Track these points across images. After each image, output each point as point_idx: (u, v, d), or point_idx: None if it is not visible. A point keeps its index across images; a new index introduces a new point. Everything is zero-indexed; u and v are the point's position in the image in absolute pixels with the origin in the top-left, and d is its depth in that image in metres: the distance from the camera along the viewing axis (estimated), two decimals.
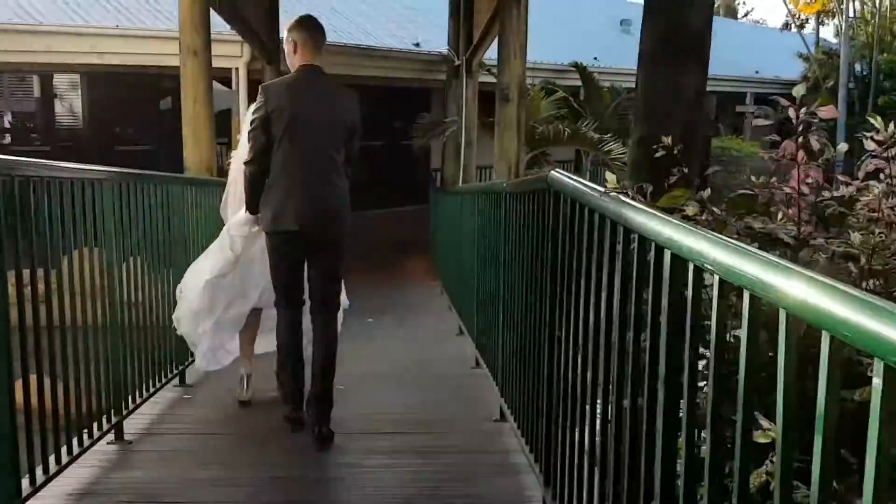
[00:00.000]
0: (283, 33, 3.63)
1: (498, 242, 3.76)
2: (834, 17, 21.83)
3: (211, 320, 3.86)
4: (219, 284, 3.81)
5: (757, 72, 20.15)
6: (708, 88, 15.41)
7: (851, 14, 19.65)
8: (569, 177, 2.23)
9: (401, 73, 12.57)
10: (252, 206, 3.55)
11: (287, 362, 3.59)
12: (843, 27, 19.29)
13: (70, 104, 11.70)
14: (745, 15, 48.66)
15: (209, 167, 5.53)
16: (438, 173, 11.87)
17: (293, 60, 3.51)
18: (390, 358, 5.58)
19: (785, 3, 24.10)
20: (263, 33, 7.81)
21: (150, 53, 9.53)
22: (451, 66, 11.23)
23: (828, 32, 23.69)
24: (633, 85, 12.43)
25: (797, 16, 25.35)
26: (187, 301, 3.91)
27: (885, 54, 19.21)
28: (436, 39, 13.89)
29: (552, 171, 2.40)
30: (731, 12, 45.09)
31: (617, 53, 16.47)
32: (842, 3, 20.15)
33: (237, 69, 8.70)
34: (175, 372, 4.30)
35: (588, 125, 10.36)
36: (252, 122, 3.44)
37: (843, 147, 2.67)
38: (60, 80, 11.46)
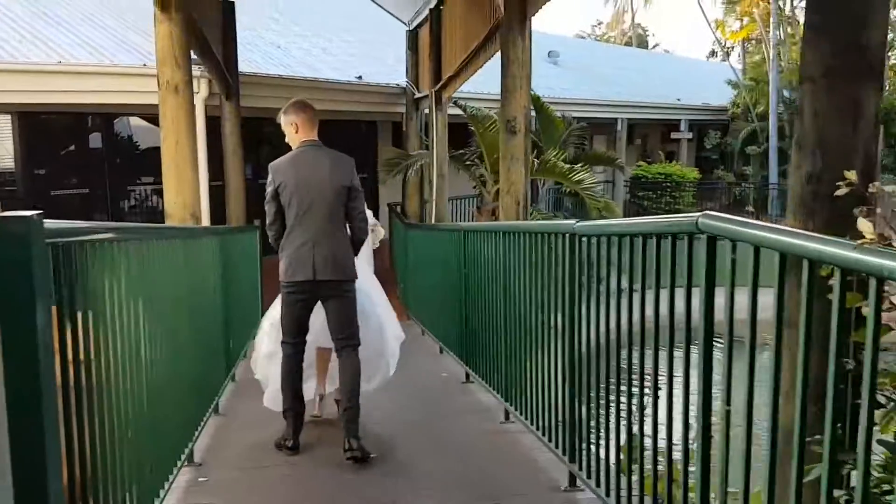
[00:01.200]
0: (280, 118, 4.09)
1: (561, 291, 3.42)
2: (759, 43, 22.71)
3: (276, 363, 4.26)
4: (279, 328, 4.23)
5: (678, 99, 20.78)
6: (640, 116, 15.70)
7: (775, 40, 20.45)
8: (744, 223, 1.94)
9: (349, 106, 12.23)
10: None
11: (292, 401, 4.13)
12: (772, 53, 20.06)
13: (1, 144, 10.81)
14: (654, 46, 50.70)
15: (194, 212, 5.00)
16: (398, 207, 11.51)
17: (295, 138, 4.08)
18: (403, 420, 5.09)
19: (712, 31, 24.99)
20: (227, 68, 7.32)
21: (87, 91, 8.93)
22: (410, 98, 10.96)
23: (736, 61, 24.66)
24: (577, 114, 12.21)
25: (724, 44, 26.34)
26: (259, 346, 4.56)
27: None
28: (378, 73, 13.74)
29: (703, 215, 2.10)
30: (642, 44, 46.88)
31: (552, 84, 16.69)
32: (768, 30, 21.00)
33: (194, 105, 8.14)
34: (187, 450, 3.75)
35: (557, 155, 10.22)
36: (265, 195, 4.06)
37: None
38: None
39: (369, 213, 4.64)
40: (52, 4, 12.13)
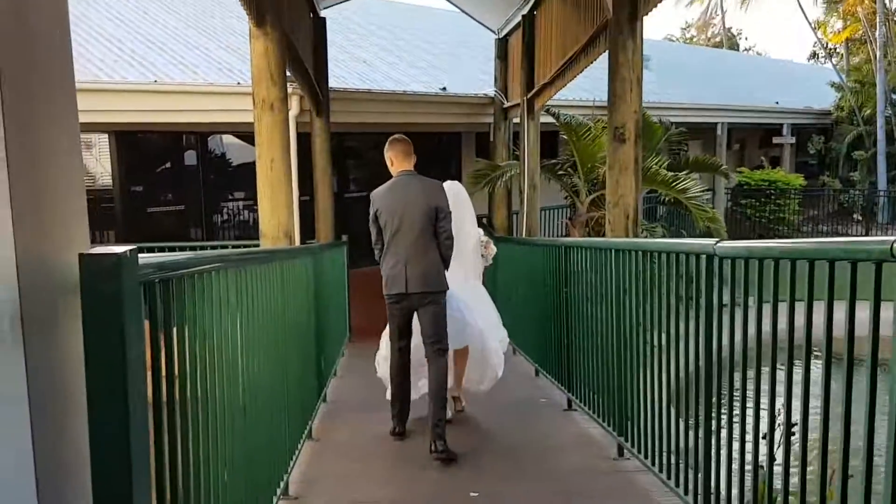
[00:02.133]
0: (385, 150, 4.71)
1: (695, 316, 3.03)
2: (864, 44, 21.37)
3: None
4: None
5: (776, 102, 19.71)
6: (741, 120, 14.88)
7: (882, 39, 19.15)
8: None
9: (434, 118, 12.05)
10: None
11: (397, 390, 4.79)
12: (879, 53, 18.81)
13: (96, 164, 11.12)
14: (747, 49, 48.85)
15: (288, 232, 4.84)
16: (485, 219, 11.21)
17: (392, 170, 4.71)
18: (503, 453, 4.75)
19: (814, 31, 23.67)
20: (319, 84, 7.21)
21: (181, 110, 9.03)
22: (498, 108, 10.66)
23: (840, 63, 23.26)
24: (674, 119, 11.68)
25: (826, 45, 24.95)
26: (381, 349, 5.17)
27: None
28: (463, 83, 13.52)
29: None
30: (733, 46, 45.24)
31: (647, 88, 16.04)
32: (873, 29, 19.72)
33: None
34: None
35: (658, 162, 9.70)
36: (370, 218, 4.67)
37: None
38: (87, 138, 10.89)
39: (481, 232, 5.51)
40: (145, 25, 12.48)
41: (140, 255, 1.56)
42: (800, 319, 2.19)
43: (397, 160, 4.68)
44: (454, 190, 5.22)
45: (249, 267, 2.83)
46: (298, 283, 4.17)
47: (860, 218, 18.51)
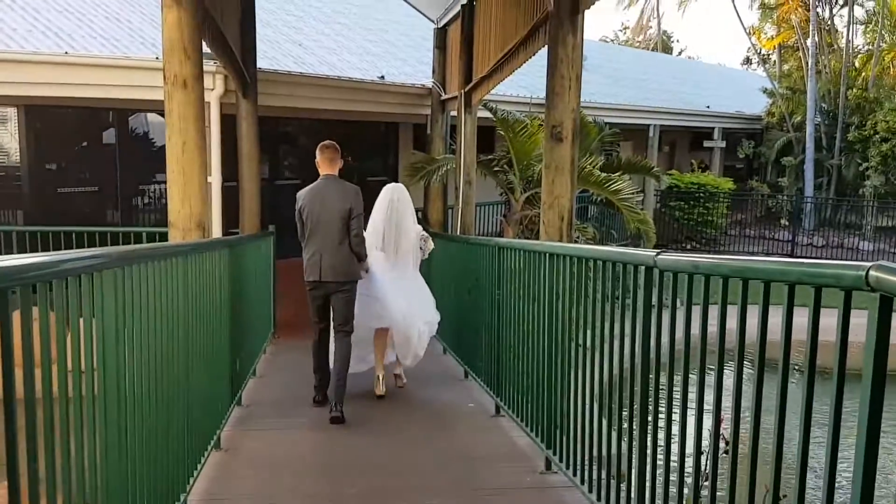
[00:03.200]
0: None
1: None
2: (796, 51, 21.91)
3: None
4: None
5: (707, 106, 20.08)
6: (673, 123, 14.98)
7: (814, 48, 19.66)
8: None
9: (371, 106, 11.67)
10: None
11: (317, 364, 5.48)
12: (811, 62, 19.28)
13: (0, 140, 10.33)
14: (680, 52, 49.90)
15: (201, 223, 4.44)
16: (419, 213, 10.94)
17: (320, 172, 5.36)
18: (426, 464, 4.51)
19: (748, 36, 24.15)
20: (245, 63, 6.78)
21: (94, 84, 8.43)
22: (436, 100, 10.38)
23: (772, 70, 23.88)
24: (608, 120, 11.66)
25: (759, 51, 25.52)
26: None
27: (851, 89, 19.22)
28: (402, 73, 13.18)
29: (876, 266, 1.52)
30: (667, 50, 46.12)
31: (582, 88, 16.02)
32: (806, 36, 20.22)
33: (208, 103, 7.58)
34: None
35: (592, 163, 9.58)
36: (295, 213, 5.33)
37: None
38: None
39: (420, 228, 6.14)
40: None
41: None
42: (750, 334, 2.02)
43: (323, 164, 5.33)
44: (398, 191, 5.99)
45: (137, 266, 2.47)
46: (207, 280, 3.80)
47: (787, 223, 18.98)
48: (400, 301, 5.68)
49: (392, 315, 5.64)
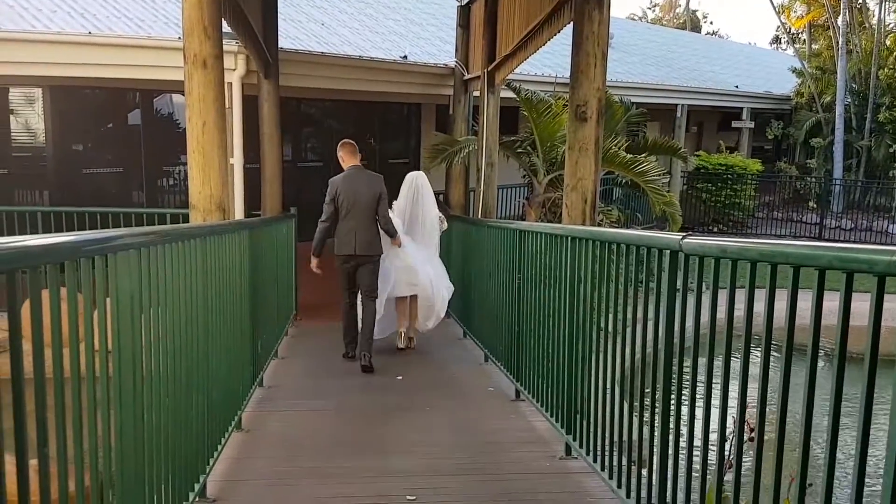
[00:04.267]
0: None
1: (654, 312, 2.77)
2: (826, 29, 21.39)
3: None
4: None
5: (736, 86, 19.69)
6: (701, 102, 14.65)
7: (844, 27, 19.17)
8: None
9: (393, 87, 11.60)
10: (317, 248, 6.34)
11: (347, 325, 6.38)
12: (841, 40, 18.81)
13: (27, 120, 10.42)
14: (711, 33, 49.03)
15: (222, 204, 4.43)
16: (441, 196, 10.87)
17: (344, 165, 6.25)
18: (447, 451, 4.48)
19: (777, 15, 23.63)
20: (267, 43, 6.73)
21: (119, 65, 8.43)
22: (458, 80, 10.28)
23: (802, 49, 23.34)
24: (634, 99, 11.46)
25: (789, 30, 24.96)
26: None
27: (882, 69, 18.74)
28: (425, 53, 13.07)
29: None
30: (696, 28, 45.35)
31: (608, 66, 15.79)
32: (837, 15, 19.72)
33: (230, 84, 7.57)
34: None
35: (618, 144, 9.43)
36: (326, 199, 6.16)
37: None
38: (16, 94, 10.19)
39: (437, 211, 7.00)
40: None
41: None
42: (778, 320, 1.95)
43: (347, 157, 6.24)
44: (419, 179, 6.90)
45: (157, 248, 2.46)
46: (227, 262, 3.79)
47: (815, 206, 18.64)
48: (428, 269, 6.69)
49: (422, 281, 6.60)
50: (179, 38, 8.31)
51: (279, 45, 8.44)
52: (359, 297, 6.32)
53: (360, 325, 6.20)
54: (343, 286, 6.29)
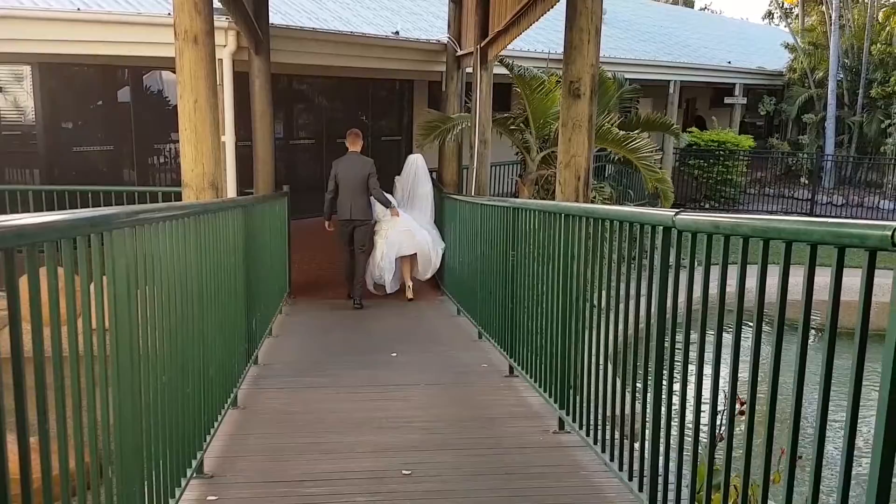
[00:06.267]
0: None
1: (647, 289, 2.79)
2: (819, 4, 21.30)
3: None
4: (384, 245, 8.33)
5: (730, 62, 19.62)
6: (694, 78, 14.59)
7: (837, 2, 19.09)
8: None
9: (385, 63, 11.50)
10: (327, 213, 8.23)
11: (347, 273, 8.28)
12: (834, 15, 18.74)
13: (15, 98, 10.30)
14: (705, 8, 48.72)
15: (214, 182, 4.41)
16: (433, 174, 10.85)
17: (349, 147, 8.08)
18: (441, 425, 4.52)
19: None
20: (257, 19, 6.66)
21: (108, 41, 8.33)
22: (451, 56, 10.21)
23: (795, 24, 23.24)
24: (628, 76, 11.39)
25: (782, 4, 24.84)
26: (375, 258, 8.40)
27: (875, 44, 18.70)
28: (416, 29, 12.96)
29: None
30: (688, 4, 45.03)
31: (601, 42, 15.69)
32: None
33: (221, 60, 7.49)
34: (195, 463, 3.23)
35: (610, 120, 9.42)
36: (329, 177, 8.04)
37: None
38: (4, 72, 10.07)
39: (430, 187, 9.09)
40: None
41: None
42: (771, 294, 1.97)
43: (350, 144, 8.04)
44: (419, 161, 9.02)
45: (149, 228, 2.46)
46: (221, 240, 3.79)
47: (806, 182, 18.69)
48: (424, 233, 8.42)
49: (420, 242, 8.32)
50: (169, 14, 8.25)
51: (270, 21, 8.35)
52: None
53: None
54: (344, 244, 8.15)
